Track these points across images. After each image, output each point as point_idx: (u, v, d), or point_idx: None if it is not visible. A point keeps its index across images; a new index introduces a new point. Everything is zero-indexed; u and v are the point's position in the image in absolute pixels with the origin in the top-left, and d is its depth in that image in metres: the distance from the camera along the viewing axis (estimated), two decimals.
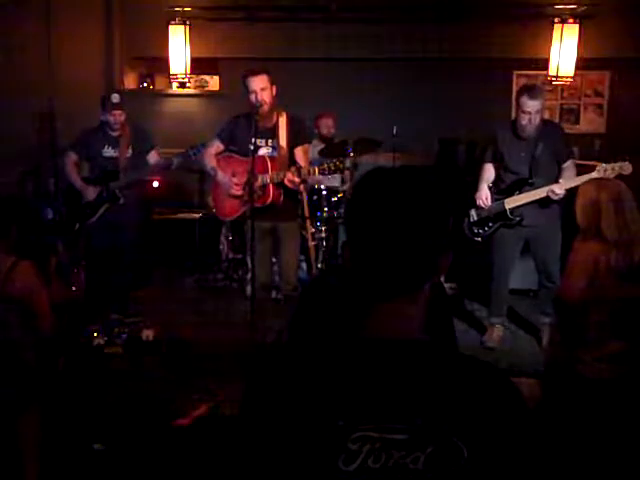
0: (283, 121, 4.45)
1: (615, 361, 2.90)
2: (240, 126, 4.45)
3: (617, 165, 4.24)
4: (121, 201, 5.16)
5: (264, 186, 4.35)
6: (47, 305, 3.14)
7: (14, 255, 3.07)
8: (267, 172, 4.34)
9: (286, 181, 4.29)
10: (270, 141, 4.45)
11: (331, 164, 4.20)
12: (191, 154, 5.04)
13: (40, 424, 3.13)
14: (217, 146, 4.59)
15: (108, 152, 5.17)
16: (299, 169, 4.28)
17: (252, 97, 4.29)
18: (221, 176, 4.53)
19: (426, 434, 1.04)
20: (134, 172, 5.19)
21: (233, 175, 4.49)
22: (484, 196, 4.71)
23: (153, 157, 5.31)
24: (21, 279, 3.00)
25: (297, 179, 4.28)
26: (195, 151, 5.01)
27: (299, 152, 4.48)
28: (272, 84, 4.35)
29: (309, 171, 4.30)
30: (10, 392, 3.02)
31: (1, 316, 3.00)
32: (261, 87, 4.28)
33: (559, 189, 4.41)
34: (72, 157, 5.23)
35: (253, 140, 4.25)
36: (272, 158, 4.39)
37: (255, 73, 4.30)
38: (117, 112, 5.09)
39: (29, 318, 3.08)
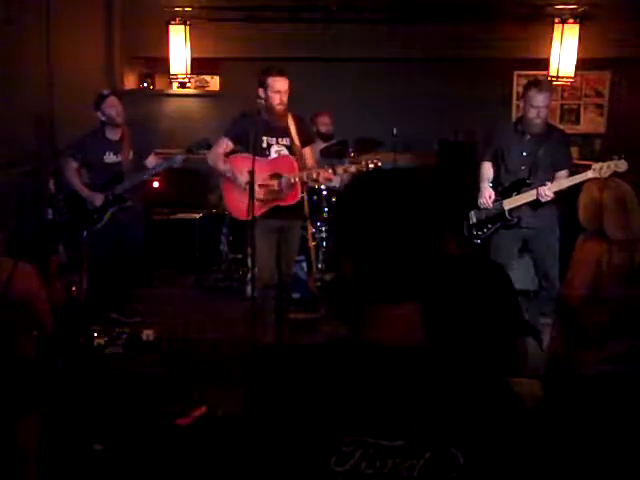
0: (291, 121, 4.49)
1: (616, 361, 2.90)
2: (249, 125, 4.39)
3: (612, 163, 4.22)
4: (128, 203, 5.13)
5: (292, 185, 4.39)
6: (47, 306, 3.14)
7: (11, 257, 3.06)
8: (294, 171, 4.38)
9: (321, 179, 4.38)
10: (282, 140, 4.48)
11: (369, 162, 4.34)
12: (194, 149, 5.04)
13: (40, 425, 3.11)
14: (226, 145, 4.54)
15: (110, 158, 5.09)
16: (333, 167, 4.37)
17: (276, 97, 4.32)
18: (239, 177, 4.46)
19: (422, 442, 1.04)
20: (139, 174, 5.16)
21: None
22: (487, 195, 4.69)
23: (151, 162, 5.27)
24: (22, 282, 2.98)
25: (332, 177, 4.38)
26: (199, 146, 5.01)
27: (308, 152, 4.56)
28: None
29: (344, 169, 4.40)
30: (11, 392, 3.02)
31: (5, 320, 2.99)
32: (285, 89, 4.34)
33: (549, 190, 4.40)
34: (73, 164, 5.13)
35: (264, 138, 4.37)
36: (296, 158, 4.46)
37: (282, 74, 4.34)
38: (115, 102, 5.03)
39: (30, 320, 3.08)
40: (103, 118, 5.08)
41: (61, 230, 5.21)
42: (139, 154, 5.21)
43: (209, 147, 4.98)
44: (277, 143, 4.46)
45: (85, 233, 5.13)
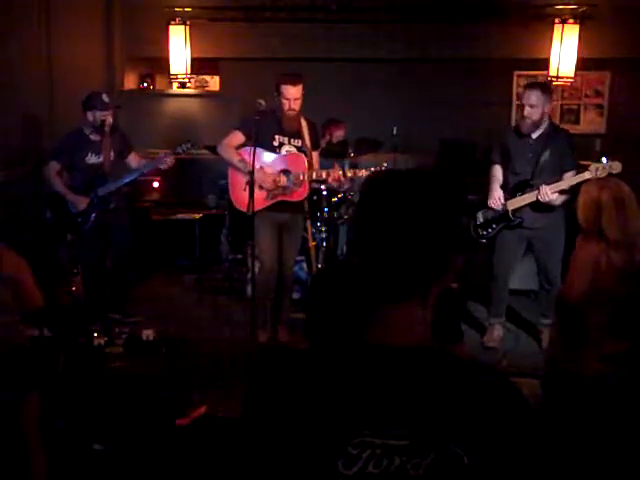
0: (304, 125, 4.65)
1: (615, 361, 2.90)
2: (263, 123, 4.44)
3: (607, 164, 4.28)
4: (112, 206, 5.04)
5: (300, 182, 4.59)
6: (34, 281, 3.23)
7: None
8: (304, 169, 4.57)
9: (330, 179, 4.57)
10: (294, 140, 4.63)
11: (379, 167, 4.55)
12: (180, 151, 5.04)
13: (38, 407, 3.14)
14: (239, 137, 4.60)
15: (92, 159, 4.99)
16: (343, 168, 4.60)
17: (286, 104, 4.48)
18: (249, 169, 4.44)
19: (427, 441, 1.04)
20: (124, 177, 5.07)
21: (261, 168, 4.54)
22: (497, 196, 4.70)
23: (134, 160, 5.21)
24: (8, 261, 3.09)
25: (343, 178, 4.57)
26: (184, 147, 5.02)
27: (315, 155, 4.74)
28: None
29: (355, 172, 4.61)
30: (12, 374, 3.04)
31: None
32: (296, 97, 4.48)
33: (550, 191, 4.41)
34: (55, 167, 4.99)
35: (276, 137, 4.56)
36: (307, 157, 4.63)
37: (295, 83, 4.46)
38: (108, 113, 4.95)
39: (20, 297, 3.15)
40: (91, 120, 4.94)
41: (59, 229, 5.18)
42: (120, 155, 5.13)
43: (196, 146, 5.03)
44: (289, 143, 4.63)
45: (69, 237, 5.03)
